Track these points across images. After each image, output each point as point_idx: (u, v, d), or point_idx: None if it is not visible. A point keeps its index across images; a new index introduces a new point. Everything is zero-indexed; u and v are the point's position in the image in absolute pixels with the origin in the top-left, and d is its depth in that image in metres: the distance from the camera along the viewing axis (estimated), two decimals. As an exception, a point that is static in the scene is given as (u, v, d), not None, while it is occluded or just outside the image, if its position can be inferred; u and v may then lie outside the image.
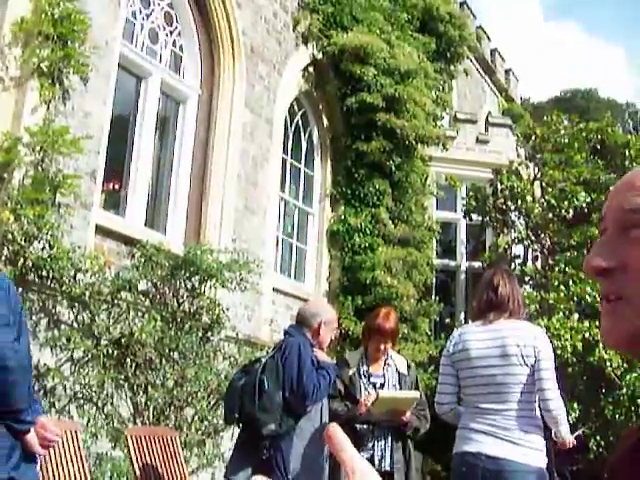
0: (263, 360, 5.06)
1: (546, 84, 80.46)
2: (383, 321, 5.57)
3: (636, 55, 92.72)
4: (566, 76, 79.05)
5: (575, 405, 9.87)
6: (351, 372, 5.54)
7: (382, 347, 5.55)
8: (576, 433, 5.33)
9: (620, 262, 1.04)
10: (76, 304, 7.41)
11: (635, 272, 1.02)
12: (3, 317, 3.30)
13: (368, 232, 11.96)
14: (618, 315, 1.03)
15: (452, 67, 14.97)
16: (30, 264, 7.06)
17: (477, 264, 14.03)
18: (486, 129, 14.91)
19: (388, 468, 5.36)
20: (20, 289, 6.44)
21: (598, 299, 10.39)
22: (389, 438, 5.43)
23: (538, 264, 13.44)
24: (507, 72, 23.79)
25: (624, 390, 9.84)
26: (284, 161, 12.00)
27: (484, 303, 4.55)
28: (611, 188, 1.14)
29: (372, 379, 5.55)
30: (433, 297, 13.22)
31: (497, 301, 4.46)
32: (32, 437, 3.39)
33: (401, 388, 5.54)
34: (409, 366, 5.77)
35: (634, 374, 9.94)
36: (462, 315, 13.94)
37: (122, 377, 7.32)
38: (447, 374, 4.58)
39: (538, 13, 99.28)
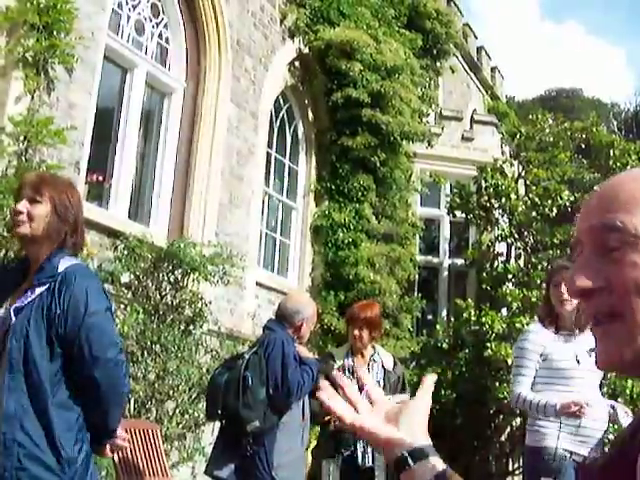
0: (246, 356, 5.02)
1: (533, 83, 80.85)
2: (359, 310, 5.62)
3: (635, 56, 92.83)
4: (556, 75, 79.41)
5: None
6: (336, 367, 5.55)
7: (357, 334, 5.57)
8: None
9: (607, 281, 1.02)
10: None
11: (624, 291, 1.00)
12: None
13: (352, 227, 11.95)
14: (616, 337, 1.00)
15: (438, 64, 15.00)
16: (12, 255, 7.01)
17: (460, 261, 14.07)
18: (471, 126, 14.93)
19: (369, 465, 5.38)
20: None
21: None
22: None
23: (521, 262, 13.48)
24: (493, 70, 23.79)
25: (605, 389, 9.89)
26: (269, 155, 11.97)
27: None
28: (585, 200, 1.11)
29: (357, 375, 5.55)
30: (416, 293, 13.24)
31: None
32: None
33: (385, 385, 5.55)
34: (395, 362, 5.79)
35: (613, 373, 10.00)
36: (444, 312, 13.97)
37: (103, 370, 7.28)
38: None
39: (536, 12, 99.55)
